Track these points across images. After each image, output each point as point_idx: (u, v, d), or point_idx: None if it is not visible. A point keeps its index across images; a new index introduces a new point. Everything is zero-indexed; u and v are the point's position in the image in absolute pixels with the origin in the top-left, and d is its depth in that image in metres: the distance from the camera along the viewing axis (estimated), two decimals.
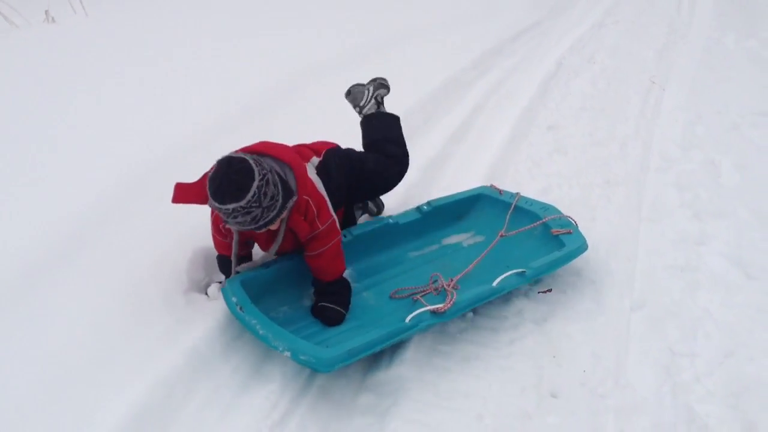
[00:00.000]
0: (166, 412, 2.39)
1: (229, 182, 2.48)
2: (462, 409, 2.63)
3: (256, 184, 2.47)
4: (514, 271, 3.08)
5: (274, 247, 2.90)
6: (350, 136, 3.71)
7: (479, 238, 3.67)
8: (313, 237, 2.88)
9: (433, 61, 6.27)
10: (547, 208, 3.63)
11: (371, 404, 2.64)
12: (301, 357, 2.47)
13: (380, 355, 2.85)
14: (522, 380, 2.79)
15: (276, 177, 2.60)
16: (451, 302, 2.85)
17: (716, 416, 2.59)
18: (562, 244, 3.33)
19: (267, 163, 2.62)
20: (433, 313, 2.81)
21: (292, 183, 2.72)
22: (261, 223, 2.57)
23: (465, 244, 3.66)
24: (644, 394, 2.72)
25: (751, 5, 9.56)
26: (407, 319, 2.73)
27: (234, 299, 2.71)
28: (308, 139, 3.31)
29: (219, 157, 2.58)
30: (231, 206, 2.47)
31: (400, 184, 3.65)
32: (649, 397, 2.70)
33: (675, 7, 9.68)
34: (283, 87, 5.04)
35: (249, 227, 2.59)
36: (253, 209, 2.50)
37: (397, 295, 3.15)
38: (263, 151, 2.74)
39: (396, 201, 3.92)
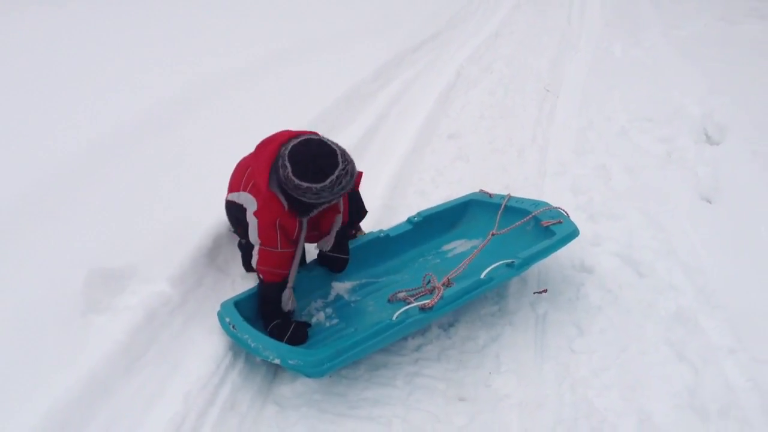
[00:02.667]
0: None
1: (321, 158, 2.76)
2: (372, 417, 2.66)
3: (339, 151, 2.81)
4: (503, 261, 3.10)
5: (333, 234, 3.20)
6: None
7: (474, 242, 3.66)
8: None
9: (334, 73, 6.29)
10: (537, 203, 3.66)
11: (278, 417, 2.62)
12: (290, 362, 2.60)
13: (284, 368, 2.85)
14: (430, 385, 2.84)
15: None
16: (438, 297, 2.86)
17: (613, 409, 2.71)
18: (552, 234, 3.36)
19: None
20: (421, 309, 2.81)
21: None
22: (351, 183, 2.85)
23: (459, 250, 3.68)
24: (546, 392, 2.82)
25: (635, 16, 10.12)
26: (394, 317, 2.75)
27: (227, 320, 2.80)
28: (214, 153, 3.26)
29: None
30: (335, 174, 2.74)
31: None
32: (550, 394, 2.81)
33: (566, 18, 10.12)
34: (185, 98, 4.92)
35: (346, 189, 2.83)
36: (347, 168, 2.80)
37: (393, 298, 3.17)
38: (309, 132, 2.99)
39: None
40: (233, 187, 3.11)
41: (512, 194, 3.81)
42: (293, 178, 2.74)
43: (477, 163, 5.01)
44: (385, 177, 4.55)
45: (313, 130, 3.16)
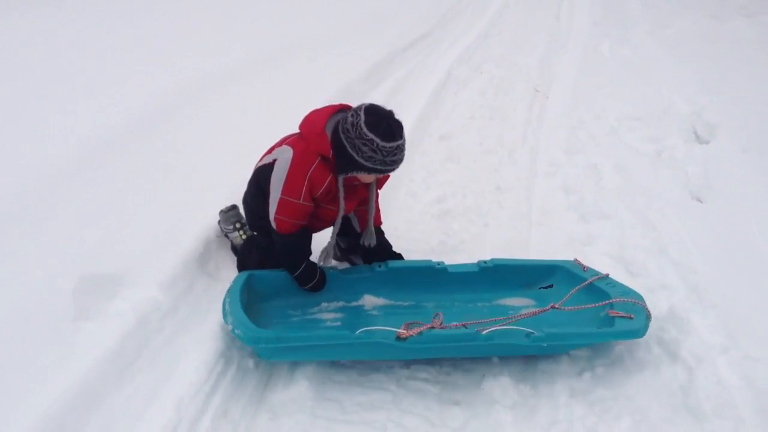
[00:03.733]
0: None
1: (394, 120, 2.84)
2: (366, 422, 2.64)
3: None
4: (523, 328, 2.77)
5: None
6: (242, 157, 3.66)
7: (532, 303, 3.27)
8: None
9: (325, 73, 6.27)
10: (628, 293, 3.08)
11: (271, 425, 2.60)
12: (236, 331, 2.65)
13: (277, 375, 2.84)
14: (423, 389, 2.83)
15: None
16: (415, 332, 2.66)
17: (608, 410, 2.71)
18: (611, 324, 2.92)
19: None
20: (397, 337, 2.64)
21: None
22: (400, 164, 2.93)
23: (514, 306, 3.26)
24: (540, 394, 2.81)
25: (623, 14, 10.16)
26: (358, 332, 2.68)
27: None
28: (204, 157, 3.23)
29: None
30: (401, 142, 2.84)
31: None
32: (545, 396, 2.80)
33: (554, 18, 10.14)
34: (174, 101, 4.88)
35: (396, 166, 2.91)
36: (404, 147, 2.90)
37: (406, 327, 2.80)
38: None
39: None
40: (269, 151, 3.18)
41: (609, 274, 3.29)
42: (363, 126, 2.78)
43: (468, 164, 5.00)
44: None
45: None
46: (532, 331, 2.74)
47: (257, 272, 3.11)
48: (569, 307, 2.99)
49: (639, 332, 2.89)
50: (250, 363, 2.85)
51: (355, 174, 2.95)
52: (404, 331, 2.65)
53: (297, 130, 3.08)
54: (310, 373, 2.82)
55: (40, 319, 2.68)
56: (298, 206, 2.93)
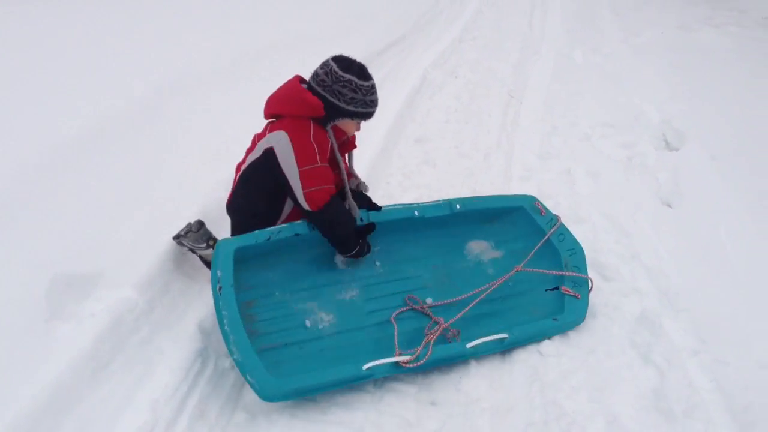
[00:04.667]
0: None
1: (363, 65, 2.98)
2: (343, 422, 2.64)
3: None
4: (495, 337, 2.99)
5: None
6: (219, 158, 3.63)
7: (496, 254, 3.61)
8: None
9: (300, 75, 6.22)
10: (575, 252, 3.51)
11: (248, 425, 2.60)
12: (249, 378, 2.56)
13: None
14: (401, 389, 2.84)
15: None
16: (419, 362, 2.79)
17: (582, 412, 2.75)
18: (560, 310, 3.25)
19: None
20: (395, 364, 2.77)
21: None
22: (376, 108, 3.06)
23: (483, 257, 3.60)
24: (516, 395, 2.84)
25: (595, 23, 10.30)
26: (365, 367, 2.68)
27: (219, 273, 2.73)
28: (180, 158, 3.18)
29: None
30: (374, 81, 2.97)
31: None
32: (520, 397, 2.83)
33: (527, 24, 10.24)
34: (152, 99, 4.74)
35: (374, 106, 3.02)
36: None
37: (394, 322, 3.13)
38: None
39: None
40: (250, 149, 3.15)
41: (560, 219, 3.65)
42: (337, 71, 2.90)
43: (444, 167, 5.03)
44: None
45: None
46: (504, 336, 3.01)
47: (245, 244, 2.90)
48: (529, 269, 3.37)
49: (580, 319, 3.25)
50: (227, 363, 2.84)
51: (340, 122, 3.00)
52: (406, 359, 2.78)
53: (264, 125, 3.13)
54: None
55: (11, 319, 2.63)
56: (321, 169, 2.91)
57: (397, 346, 2.92)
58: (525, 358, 3.05)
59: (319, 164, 2.90)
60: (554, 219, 3.60)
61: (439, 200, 3.50)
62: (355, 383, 2.73)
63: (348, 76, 2.88)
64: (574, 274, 3.39)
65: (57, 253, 3.00)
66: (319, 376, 2.66)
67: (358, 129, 3.15)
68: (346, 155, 3.26)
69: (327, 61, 2.99)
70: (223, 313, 2.65)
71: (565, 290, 3.32)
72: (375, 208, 3.32)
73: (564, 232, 3.57)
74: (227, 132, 4.29)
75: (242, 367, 2.57)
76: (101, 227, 3.26)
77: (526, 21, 10.46)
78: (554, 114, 6.09)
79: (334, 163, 3.07)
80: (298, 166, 2.87)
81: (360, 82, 2.89)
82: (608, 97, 6.41)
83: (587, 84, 7.09)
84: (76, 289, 2.88)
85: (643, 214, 4.33)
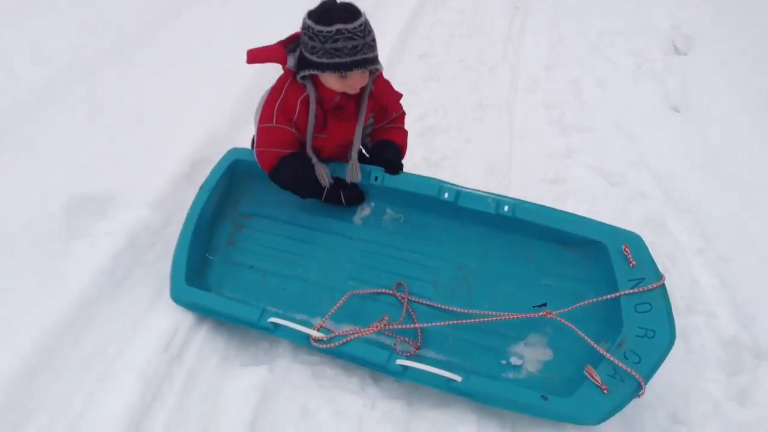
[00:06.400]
0: (55, 360, 2.35)
1: (339, 7, 2.38)
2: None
3: (364, 13, 2.40)
4: (442, 372, 2.32)
5: (360, 127, 2.69)
6: (223, 77, 3.63)
7: (549, 283, 2.62)
8: (401, 114, 2.94)
9: None
10: (652, 337, 2.30)
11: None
12: (171, 274, 2.68)
13: None
14: None
15: None
16: (326, 345, 2.43)
17: None
18: (565, 391, 2.30)
19: None
20: (303, 335, 2.47)
21: None
22: (376, 53, 2.44)
23: (525, 279, 2.66)
24: None
25: None
26: (270, 320, 2.48)
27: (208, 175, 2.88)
28: (185, 77, 3.17)
29: None
30: (345, 26, 2.32)
31: None
32: None
33: None
34: (151, 21, 4.72)
35: (367, 54, 2.39)
36: (367, 35, 2.38)
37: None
38: None
39: None
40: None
41: (664, 281, 2.40)
42: (305, 17, 2.41)
43: (448, 81, 4.99)
44: None
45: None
46: (458, 378, 2.30)
47: (246, 158, 2.86)
48: (565, 322, 2.40)
49: (590, 416, 2.22)
50: None
51: (310, 73, 2.49)
52: (317, 335, 2.46)
53: None
54: None
55: (31, 239, 2.73)
56: (274, 130, 2.62)
57: (325, 318, 2.56)
58: None
59: (275, 125, 2.60)
60: (650, 278, 2.39)
61: (483, 192, 2.68)
62: (254, 329, 2.56)
63: (308, 22, 2.38)
64: (620, 364, 2.24)
65: (70, 176, 3.08)
66: (224, 305, 2.58)
67: (349, 87, 2.53)
68: (369, 116, 2.80)
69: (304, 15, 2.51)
70: (189, 211, 2.82)
71: (590, 373, 2.27)
72: (392, 168, 2.79)
73: (655, 303, 2.35)
74: (233, 51, 4.26)
75: (173, 262, 2.71)
76: (113, 149, 3.32)
77: None
78: (561, 24, 5.96)
79: (321, 124, 2.67)
80: (258, 122, 2.68)
81: (318, 28, 2.34)
82: (616, 5, 6.25)
83: None
84: (92, 210, 2.96)
85: (651, 120, 4.32)
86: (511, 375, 2.45)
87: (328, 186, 2.73)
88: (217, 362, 2.52)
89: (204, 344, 2.58)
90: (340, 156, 2.82)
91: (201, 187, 2.89)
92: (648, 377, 2.23)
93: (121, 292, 2.70)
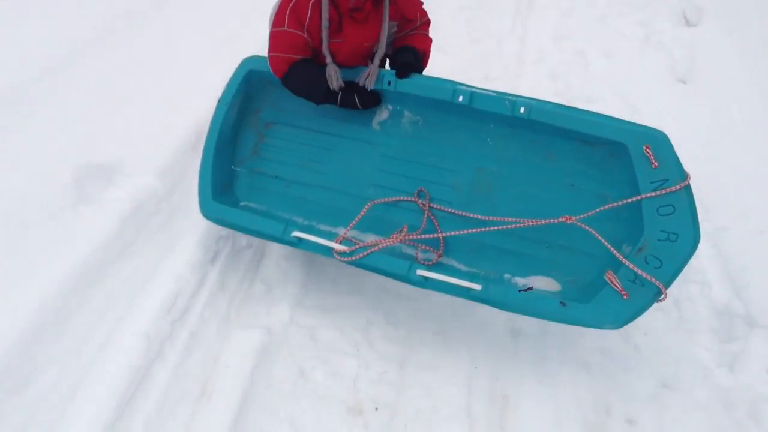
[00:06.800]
0: (62, 319, 2.44)
1: None
2: (354, 292, 2.80)
3: None
4: (461, 282, 2.35)
5: (384, 33, 2.62)
6: (227, 46, 3.64)
7: (573, 185, 2.52)
8: (426, 21, 2.89)
9: None
10: (675, 240, 2.21)
11: (265, 295, 2.79)
12: (199, 189, 2.76)
13: (269, 252, 3.00)
14: None
15: None
16: (350, 257, 2.46)
17: None
18: (585, 297, 2.31)
19: None
20: (327, 247, 2.50)
21: None
22: None
23: (545, 182, 2.56)
24: None
25: None
26: (294, 234, 2.52)
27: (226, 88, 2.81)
28: (189, 47, 3.19)
29: None
30: None
31: None
32: None
33: None
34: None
35: None
36: None
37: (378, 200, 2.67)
38: None
39: None
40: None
41: (689, 181, 2.25)
42: None
43: (456, 53, 4.99)
44: None
45: None
46: (478, 287, 2.33)
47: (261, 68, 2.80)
48: (586, 227, 2.34)
49: (606, 323, 2.24)
50: (243, 241, 2.99)
51: None
52: (341, 248, 2.49)
53: None
54: (300, 254, 2.98)
55: (41, 204, 2.81)
56: (285, 34, 2.57)
57: (347, 230, 2.59)
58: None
59: (286, 29, 2.57)
60: (674, 179, 2.24)
61: (498, 93, 2.53)
62: (280, 242, 2.60)
63: None
64: (638, 270, 2.20)
65: (77, 145, 3.16)
66: (249, 220, 2.66)
67: None
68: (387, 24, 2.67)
69: None
70: (210, 126, 2.83)
71: (611, 278, 2.26)
72: (402, 70, 2.66)
73: (679, 204, 2.22)
74: (234, 20, 4.31)
75: (200, 179, 2.77)
76: (117, 120, 3.38)
77: None
78: None
79: (337, 27, 2.60)
80: (271, 26, 2.66)
81: None
82: None
83: None
84: (99, 177, 3.04)
85: (657, 91, 4.30)
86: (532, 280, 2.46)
87: (337, 89, 2.63)
88: (218, 324, 2.59)
89: (206, 307, 2.65)
90: (361, 62, 2.71)
91: (219, 101, 2.87)
92: (669, 283, 2.18)
93: (127, 255, 2.78)
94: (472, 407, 2.37)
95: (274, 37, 2.61)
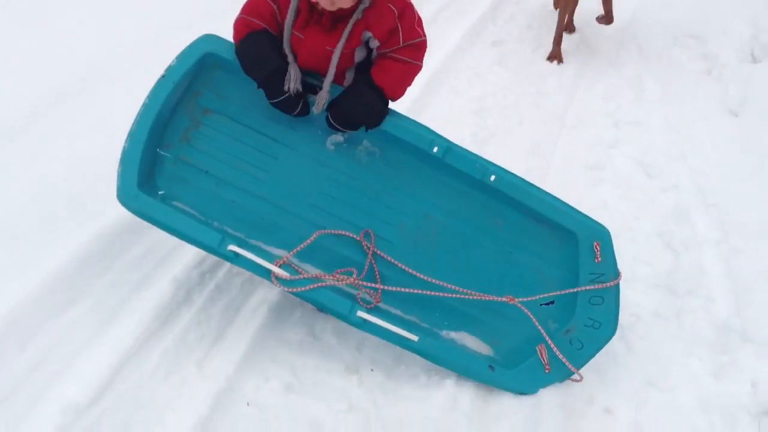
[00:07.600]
0: (105, 260, 2.76)
1: None
2: None
3: None
4: (401, 332, 2.43)
5: (340, 45, 2.35)
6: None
7: (519, 258, 2.64)
8: (412, 44, 2.41)
9: None
10: (598, 328, 2.52)
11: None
12: (119, 170, 2.40)
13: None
14: None
15: None
16: (289, 288, 2.40)
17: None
18: (510, 363, 2.53)
19: None
20: (266, 269, 2.39)
21: None
22: None
23: (492, 250, 2.65)
24: None
25: None
26: (230, 248, 2.36)
27: (173, 63, 2.48)
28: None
29: None
30: None
31: None
32: None
33: None
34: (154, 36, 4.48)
35: None
36: None
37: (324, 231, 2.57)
38: None
39: None
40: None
41: (620, 280, 2.53)
42: None
43: (515, 69, 5.18)
44: (420, 76, 4.75)
45: None
46: (415, 338, 2.43)
47: (222, 53, 2.50)
48: (526, 310, 2.52)
49: (527, 388, 2.50)
50: None
51: None
52: (282, 274, 2.39)
53: None
54: None
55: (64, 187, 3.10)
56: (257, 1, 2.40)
57: (290, 254, 2.46)
58: None
59: None
60: (608, 275, 2.51)
61: (474, 155, 2.55)
62: (212, 253, 2.43)
63: None
64: (560, 356, 2.46)
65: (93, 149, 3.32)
66: (181, 222, 2.40)
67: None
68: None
69: None
70: (146, 101, 2.46)
71: (541, 351, 2.50)
72: (329, 123, 2.51)
73: (608, 298, 2.51)
74: None
75: (123, 157, 2.41)
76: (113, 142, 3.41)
77: None
78: (638, 22, 6.03)
79: (303, 22, 2.39)
80: None
81: None
82: (697, 7, 6.22)
83: None
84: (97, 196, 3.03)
85: (705, 121, 4.41)
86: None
87: (292, 92, 2.39)
88: (242, 281, 2.86)
89: (233, 266, 2.78)
90: (322, 66, 2.43)
91: (163, 77, 2.48)
92: (583, 364, 2.51)
93: (136, 238, 2.93)
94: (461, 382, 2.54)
95: (247, 2, 2.45)
